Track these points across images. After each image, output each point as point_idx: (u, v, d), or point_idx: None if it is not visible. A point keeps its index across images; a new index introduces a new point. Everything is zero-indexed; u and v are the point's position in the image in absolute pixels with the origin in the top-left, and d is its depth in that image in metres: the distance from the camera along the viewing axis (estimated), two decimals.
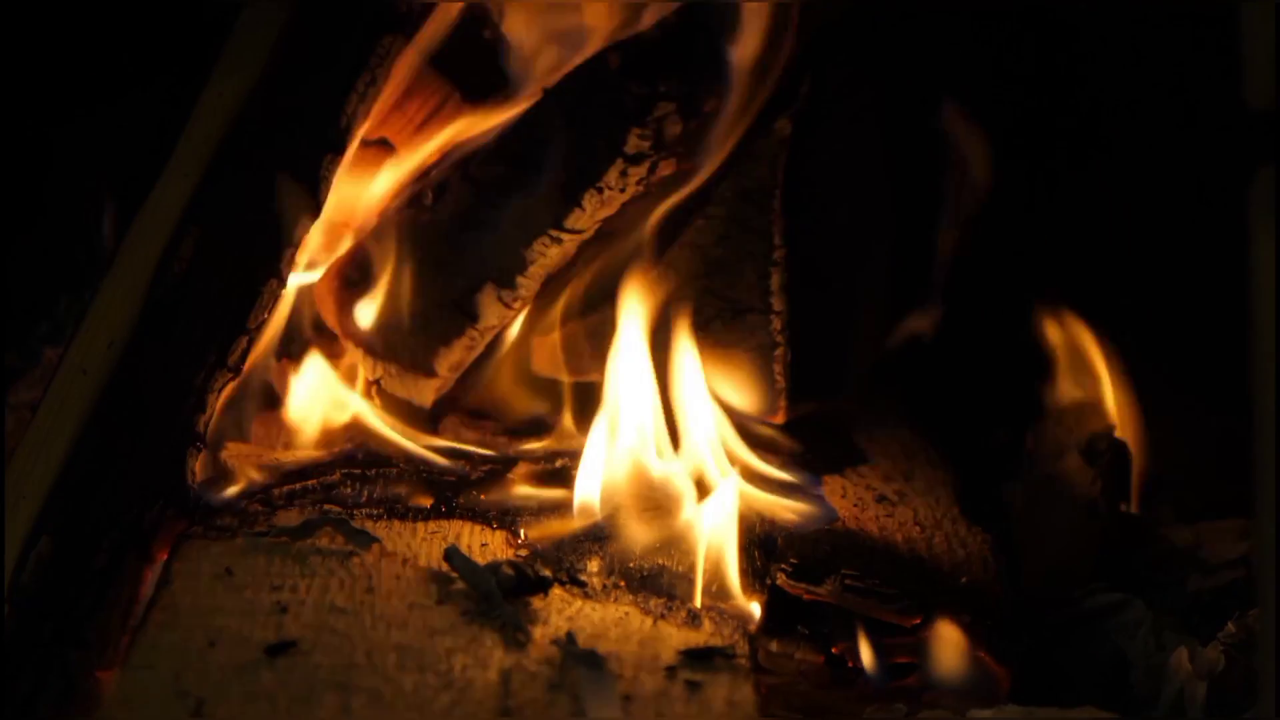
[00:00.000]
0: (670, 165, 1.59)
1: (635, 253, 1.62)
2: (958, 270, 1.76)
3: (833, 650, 1.41)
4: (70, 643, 1.31)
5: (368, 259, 1.66)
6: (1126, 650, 1.47)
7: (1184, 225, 1.75)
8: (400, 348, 1.66)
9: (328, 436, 1.62)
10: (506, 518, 1.52)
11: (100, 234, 1.68)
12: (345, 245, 1.66)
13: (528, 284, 1.62)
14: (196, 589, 1.36)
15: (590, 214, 1.59)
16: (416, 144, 1.64)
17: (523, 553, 1.47)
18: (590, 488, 1.51)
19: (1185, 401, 1.77)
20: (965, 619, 1.40)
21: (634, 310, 1.59)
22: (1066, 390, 1.73)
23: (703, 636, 1.36)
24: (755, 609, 1.42)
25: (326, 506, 1.51)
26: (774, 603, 1.43)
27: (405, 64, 1.58)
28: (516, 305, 1.63)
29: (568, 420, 1.67)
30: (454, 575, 1.39)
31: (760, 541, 1.50)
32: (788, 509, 1.54)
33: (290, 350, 1.67)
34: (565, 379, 1.69)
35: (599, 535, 1.48)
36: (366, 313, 1.66)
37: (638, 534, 1.47)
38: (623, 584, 1.42)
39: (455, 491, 1.57)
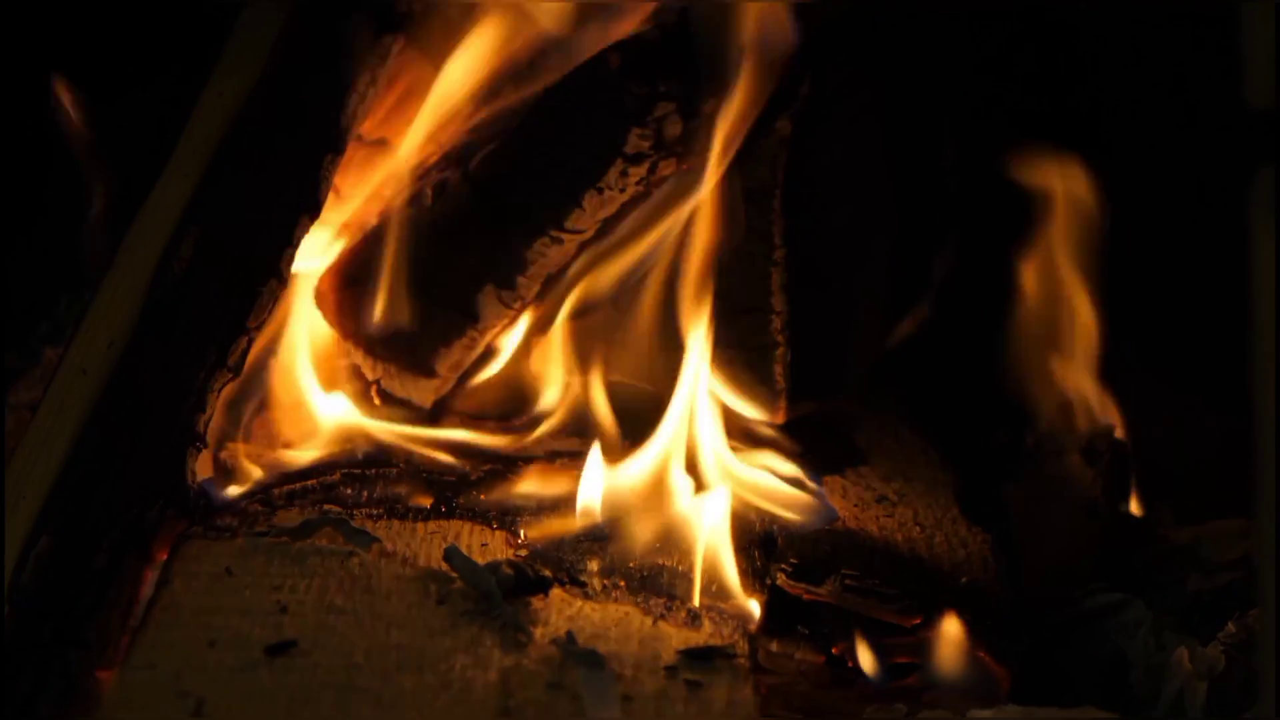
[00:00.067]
0: (670, 165, 1.59)
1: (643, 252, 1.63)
2: (958, 270, 1.76)
3: (833, 650, 1.41)
4: (70, 643, 1.31)
5: (368, 259, 1.66)
6: (1126, 650, 1.47)
7: (1184, 225, 1.75)
8: (400, 348, 1.65)
9: (328, 436, 1.62)
10: (506, 518, 1.52)
11: (100, 234, 1.68)
12: (345, 245, 1.66)
13: (528, 284, 1.62)
14: (196, 589, 1.36)
15: (590, 214, 1.59)
16: (416, 144, 1.64)
17: (523, 553, 1.47)
18: (592, 491, 1.51)
19: (1185, 401, 1.77)
20: (965, 619, 1.40)
21: (638, 312, 1.60)
22: (1066, 390, 1.73)
23: (703, 636, 1.36)
24: (755, 609, 1.42)
25: (326, 506, 1.51)
26: (774, 603, 1.43)
27: (405, 64, 1.58)
28: (516, 305, 1.63)
29: (568, 420, 1.67)
30: (454, 575, 1.39)
31: (760, 541, 1.50)
32: (788, 509, 1.54)
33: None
34: (565, 379, 1.69)
35: (599, 535, 1.48)
36: (366, 313, 1.66)
37: (638, 534, 1.47)
38: (623, 584, 1.42)
39: (455, 491, 1.56)
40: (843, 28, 1.63)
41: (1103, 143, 1.79)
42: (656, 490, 1.52)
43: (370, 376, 1.66)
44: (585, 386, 1.67)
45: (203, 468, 1.49)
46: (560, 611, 1.37)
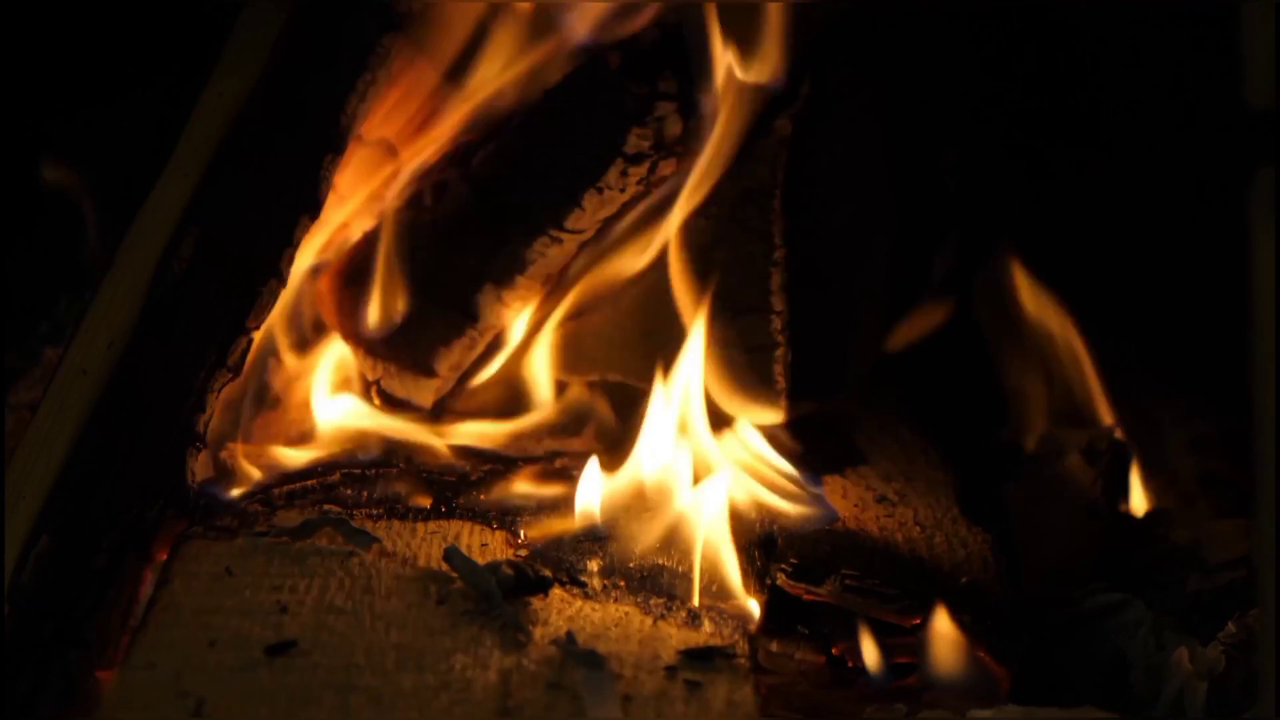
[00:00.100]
0: (670, 165, 1.59)
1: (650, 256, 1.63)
2: (957, 270, 1.76)
3: (833, 650, 1.40)
4: (70, 643, 1.31)
5: (368, 259, 1.66)
6: (1126, 650, 1.46)
7: (1184, 225, 1.75)
8: (400, 348, 1.66)
9: (329, 436, 1.62)
10: (506, 518, 1.52)
11: (100, 234, 1.68)
12: (345, 245, 1.66)
13: (528, 284, 1.62)
14: (196, 589, 1.36)
15: (590, 214, 1.59)
16: (416, 144, 1.64)
17: (523, 553, 1.47)
18: (591, 492, 1.50)
19: (1186, 401, 1.77)
20: (965, 619, 1.40)
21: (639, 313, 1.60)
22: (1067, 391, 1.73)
23: (703, 636, 1.36)
24: (755, 609, 1.42)
25: (326, 506, 1.51)
26: (774, 603, 1.43)
27: (405, 64, 1.58)
28: (516, 305, 1.63)
29: (568, 420, 1.67)
30: (454, 575, 1.39)
31: (760, 541, 1.50)
32: (788, 509, 1.54)
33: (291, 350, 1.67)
34: (565, 379, 1.69)
35: (599, 535, 1.48)
36: (366, 313, 1.66)
37: (637, 534, 1.47)
38: (623, 584, 1.42)
39: (455, 491, 1.57)
40: (843, 28, 1.63)
41: (1103, 143, 1.80)
42: (656, 491, 1.52)
43: (370, 376, 1.66)
44: (585, 386, 1.67)
45: (203, 468, 1.49)
46: (560, 611, 1.37)
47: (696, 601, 1.41)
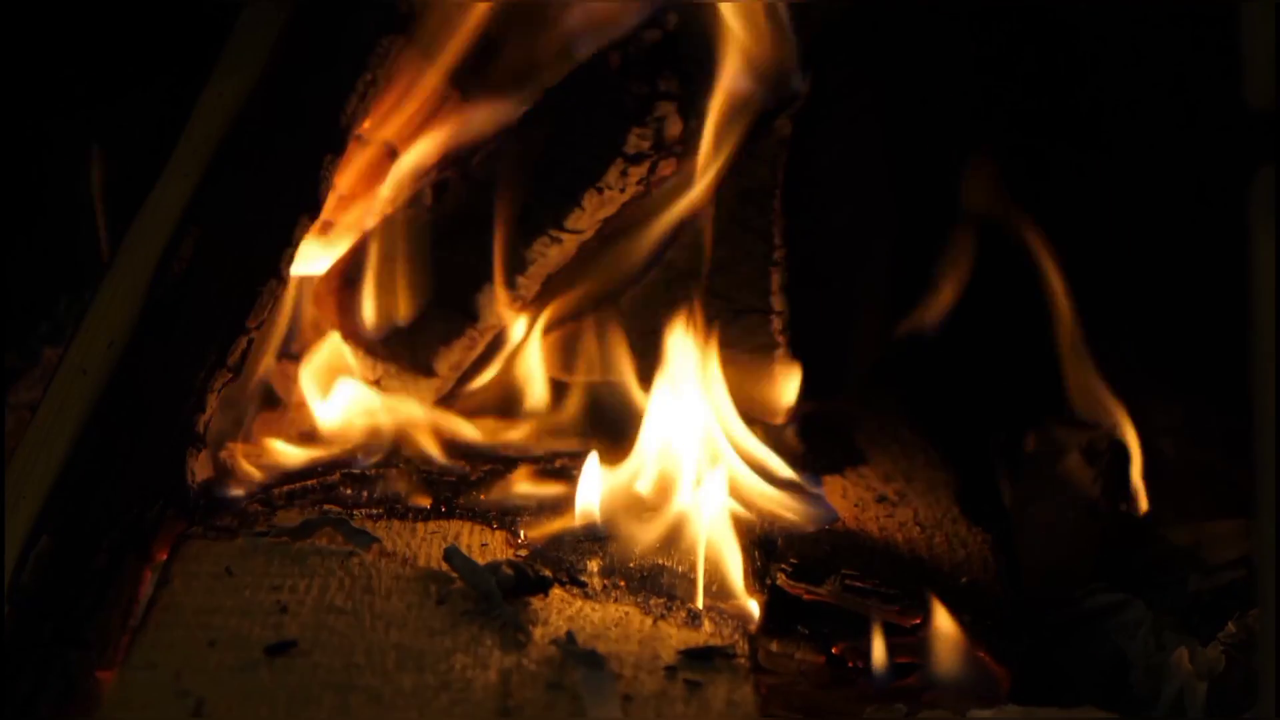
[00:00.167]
0: (670, 165, 1.59)
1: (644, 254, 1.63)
2: (958, 271, 1.76)
3: (833, 650, 1.40)
4: (70, 643, 1.31)
5: (368, 259, 1.66)
6: (1126, 650, 1.47)
7: (1184, 225, 1.75)
8: (400, 348, 1.66)
9: (329, 436, 1.62)
10: (506, 518, 1.52)
11: (100, 234, 1.68)
12: (345, 245, 1.66)
13: (528, 284, 1.62)
14: (196, 589, 1.36)
15: (590, 214, 1.59)
16: (416, 144, 1.64)
17: (523, 553, 1.47)
18: (591, 493, 1.50)
19: (1186, 401, 1.77)
20: (965, 619, 1.40)
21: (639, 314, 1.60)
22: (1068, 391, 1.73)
23: (703, 636, 1.36)
24: (755, 609, 1.42)
25: (326, 506, 1.51)
26: (774, 603, 1.43)
27: (405, 64, 1.58)
28: (516, 305, 1.63)
29: (568, 420, 1.67)
30: (454, 575, 1.39)
31: (760, 541, 1.50)
32: (788, 509, 1.54)
33: (290, 350, 1.67)
34: (566, 379, 1.69)
35: (599, 535, 1.48)
36: (367, 313, 1.66)
37: (637, 534, 1.47)
38: (623, 584, 1.42)
39: (455, 491, 1.56)
40: (843, 28, 1.63)
41: (1103, 143, 1.80)
42: (656, 491, 1.52)
43: (370, 377, 1.66)
44: (584, 386, 1.68)
45: (203, 468, 1.49)
46: (560, 611, 1.37)
47: (698, 602, 1.41)
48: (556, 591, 1.39)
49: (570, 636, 1.31)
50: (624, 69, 1.58)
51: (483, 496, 1.56)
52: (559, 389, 1.69)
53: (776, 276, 1.63)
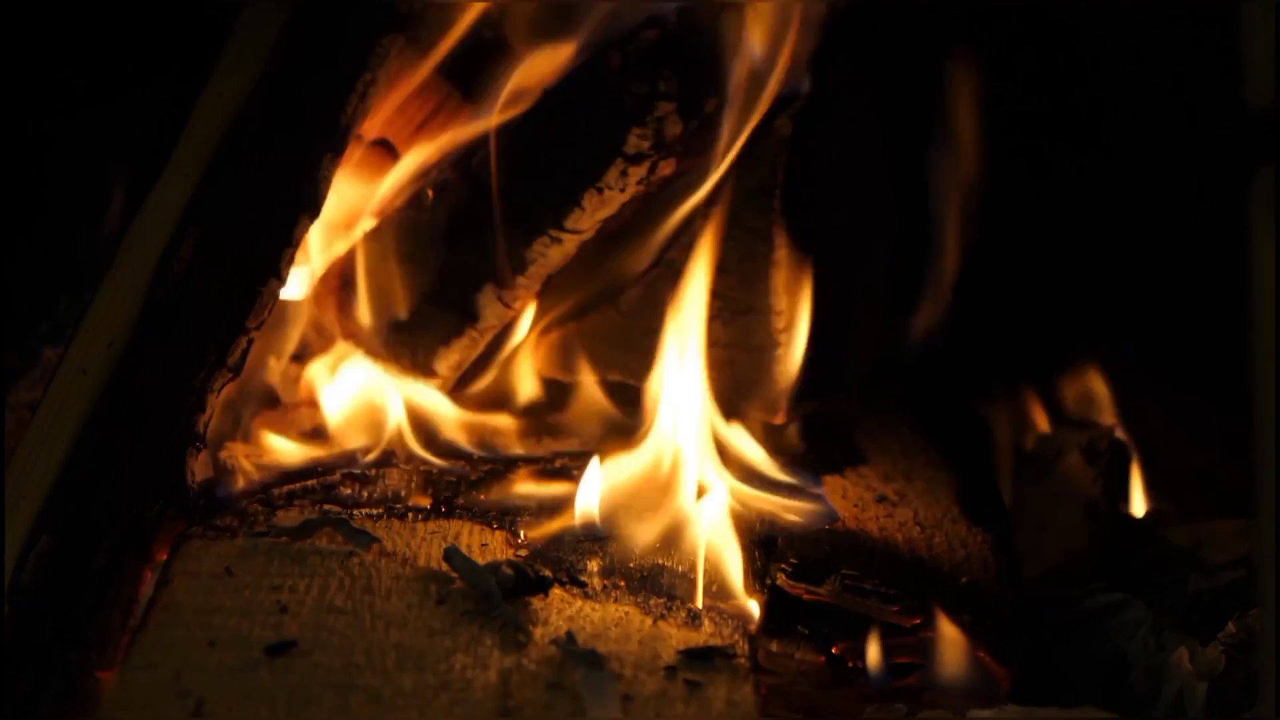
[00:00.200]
0: (670, 165, 1.59)
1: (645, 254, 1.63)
2: (957, 270, 1.76)
3: (833, 650, 1.40)
4: (70, 643, 1.30)
5: (367, 259, 1.66)
6: (1126, 650, 1.47)
7: (1184, 225, 1.75)
8: (400, 348, 1.66)
9: (329, 436, 1.62)
10: (506, 518, 1.52)
11: (100, 234, 1.68)
12: (345, 245, 1.66)
13: (528, 284, 1.62)
14: (196, 589, 1.36)
15: (590, 214, 1.59)
16: (416, 144, 1.64)
17: (523, 553, 1.47)
18: (591, 492, 1.50)
19: (1185, 401, 1.77)
20: (965, 619, 1.40)
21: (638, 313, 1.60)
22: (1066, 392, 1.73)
23: (703, 636, 1.36)
24: (755, 609, 1.42)
25: (326, 506, 1.51)
26: (774, 603, 1.43)
27: (405, 64, 1.58)
28: (516, 305, 1.63)
29: (568, 420, 1.67)
30: (454, 575, 1.39)
31: (760, 541, 1.50)
32: (788, 509, 1.54)
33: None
34: (565, 379, 1.69)
35: (599, 535, 1.48)
36: (366, 313, 1.66)
37: (638, 534, 1.47)
38: (623, 584, 1.42)
39: (455, 491, 1.56)
40: (843, 28, 1.63)
41: (1103, 143, 1.80)
42: (656, 491, 1.52)
43: None
44: (585, 386, 1.68)
45: (203, 468, 1.49)
46: (560, 611, 1.37)
47: (698, 602, 1.41)
48: (556, 591, 1.39)
49: (570, 636, 1.31)
50: (624, 69, 1.58)
51: (483, 496, 1.56)
52: (559, 389, 1.69)
53: (776, 276, 1.63)
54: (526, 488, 1.57)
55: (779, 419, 1.66)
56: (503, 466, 1.61)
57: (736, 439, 1.60)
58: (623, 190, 1.58)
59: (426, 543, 1.46)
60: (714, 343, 1.62)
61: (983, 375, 1.79)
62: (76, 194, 1.74)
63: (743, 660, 1.32)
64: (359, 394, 1.64)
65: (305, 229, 1.52)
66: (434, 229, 1.65)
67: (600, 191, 1.58)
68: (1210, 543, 1.63)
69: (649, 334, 1.63)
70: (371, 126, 1.60)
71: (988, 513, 1.59)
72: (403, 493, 1.55)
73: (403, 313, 1.65)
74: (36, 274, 1.77)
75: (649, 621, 1.37)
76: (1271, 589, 1.18)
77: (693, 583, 1.43)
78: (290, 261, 1.51)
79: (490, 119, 1.60)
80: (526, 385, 1.69)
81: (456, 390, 1.67)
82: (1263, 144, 1.19)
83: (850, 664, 1.39)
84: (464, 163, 1.65)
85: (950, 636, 1.39)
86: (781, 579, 1.45)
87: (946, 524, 1.57)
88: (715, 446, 1.57)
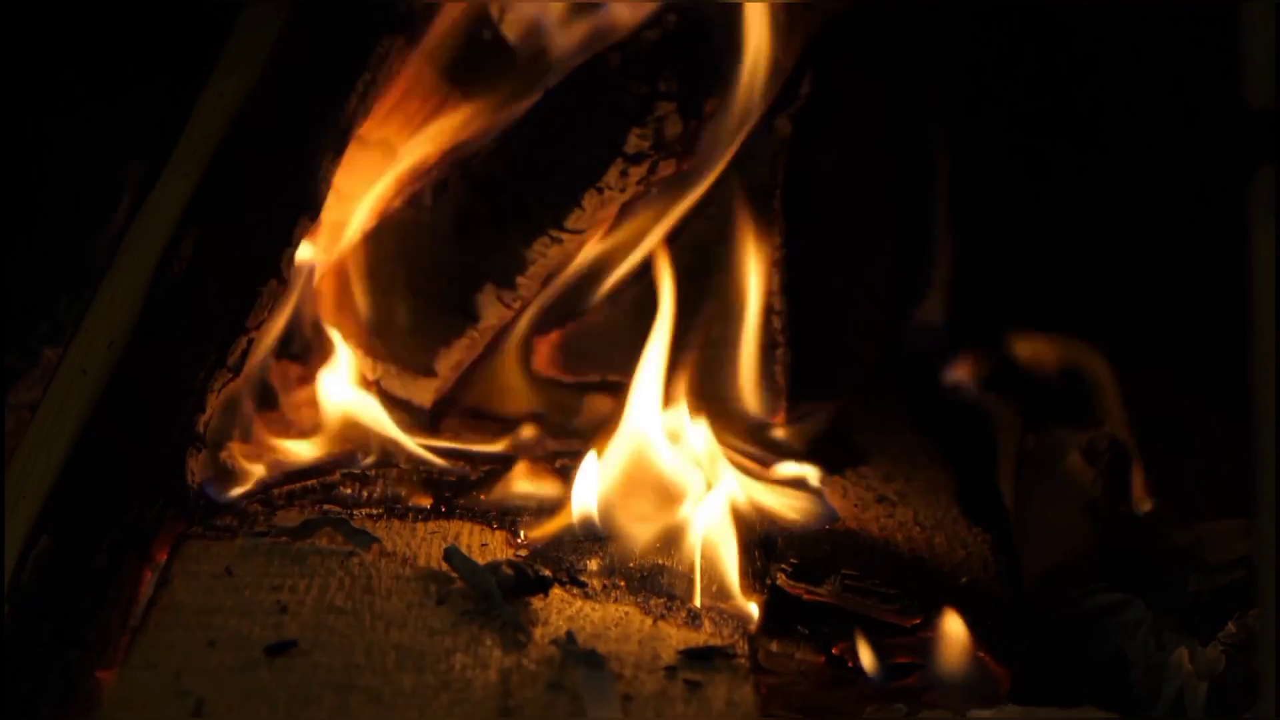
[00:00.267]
0: (670, 165, 1.59)
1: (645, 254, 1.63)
2: (958, 270, 1.76)
3: (833, 650, 1.40)
4: (70, 643, 1.30)
5: (367, 259, 1.66)
6: (1126, 650, 1.47)
7: (1184, 225, 1.75)
8: (400, 348, 1.66)
9: (329, 436, 1.62)
10: (506, 518, 1.52)
11: (100, 234, 1.68)
12: (345, 245, 1.66)
13: (528, 284, 1.62)
14: (196, 589, 1.36)
15: (590, 214, 1.59)
16: (416, 144, 1.64)
17: (523, 553, 1.47)
18: (590, 493, 1.50)
19: (1186, 401, 1.77)
20: (965, 619, 1.40)
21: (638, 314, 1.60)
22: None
23: (703, 636, 1.36)
24: (755, 609, 1.42)
25: (326, 506, 1.51)
26: (774, 603, 1.43)
27: (405, 64, 1.58)
28: (516, 305, 1.63)
29: (568, 420, 1.67)
30: (454, 575, 1.39)
31: (760, 541, 1.50)
32: (788, 509, 1.54)
33: (290, 350, 1.67)
34: (566, 379, 1.69)
35: (599, 535, 1.48)
36: (366, 313, 1.66)
37: (637, 534, 1.47)
38: (623, 584, 1.42)
39: (455, 491, 1.56)
40: (843, 28, 1.63)
41: (1103, 143, 1.80)
42: (656, 491, 1.52)
43: (370, 376, 1.66)
44: (584, 387, 1.68)
45: (203, 468, 1.49)
46: (560, 611, 1.37)
47: (697, 602, 1.41)
48: (556, 591, 1.39)
49: (570, 636, 1.31)
50: (624, 69, 1.58)
51: (483, 496, 1.56)
52: (559, 389, 1.69)
53: (777, 276, 1.63)
54: (526, 488, 1.57)
55: (779, 419, 1.66)
56: (503, 466, 1.60)
57: (736, 439, 1.60)
58: (623, 190, 1.58)
59: (426, 543, 1.46)
60: (714, 343, 1.62)
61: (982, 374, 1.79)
62: (76, 194, 1.74)
63: (743, 660, 1.32)
64: (358, 394, 1.64)
65: (305, 229, 1.52)
66: (434, 229, 1.65)
67: (600, 191, 1.58)
68: (1210, 543, 1.63)
69: (648, 334, 1.62)
70: (371, 126, 1.60)
71: (988, 513, 1.59)
72: (403, 493, 1.55)
73: (403, 313, 1.65)
74: (36, 274, 1.77)
75: (649, 621, 1.37)
76: (1271, 589, 1.18)
77: (692, 583, 1.43)
78: (290, 261, 1.51)
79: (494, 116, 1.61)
80: (526, 385, 1.68)
81: (455, 390, 1.67)
82: (1263, 144, 1.19)
83: (850, 664, 1.39)
84: (464, 163, 1.65)
85: (950, 636, 1.39)
86: (781, 579, 1.45)
87: (946, 524, 1.57)
88: (715, 446, 1.57)
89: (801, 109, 1.62)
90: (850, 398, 1.73)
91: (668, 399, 1.58)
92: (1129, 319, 1.77)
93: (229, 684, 1.25)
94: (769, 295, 1.63)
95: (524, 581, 1.38)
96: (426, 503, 1.54)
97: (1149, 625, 1.48)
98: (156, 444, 1.44)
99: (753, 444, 1.62)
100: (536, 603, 1.37)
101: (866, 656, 1.38)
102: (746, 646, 1.35)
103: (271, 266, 1.50)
